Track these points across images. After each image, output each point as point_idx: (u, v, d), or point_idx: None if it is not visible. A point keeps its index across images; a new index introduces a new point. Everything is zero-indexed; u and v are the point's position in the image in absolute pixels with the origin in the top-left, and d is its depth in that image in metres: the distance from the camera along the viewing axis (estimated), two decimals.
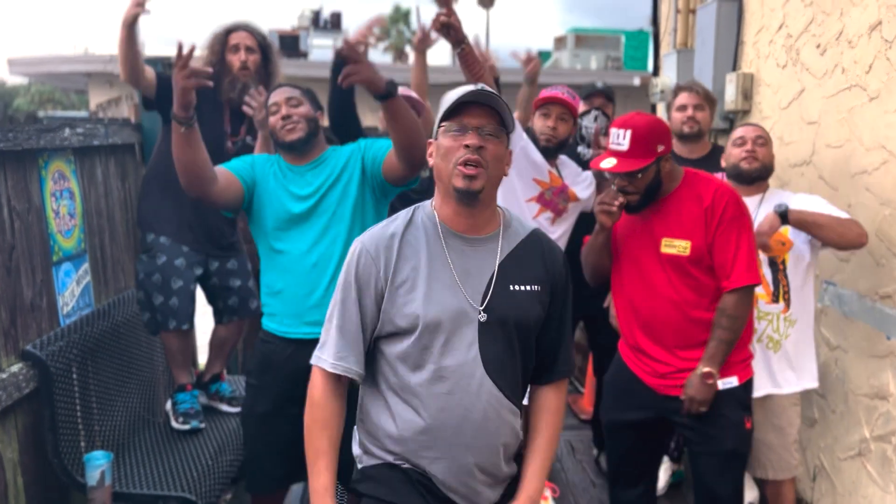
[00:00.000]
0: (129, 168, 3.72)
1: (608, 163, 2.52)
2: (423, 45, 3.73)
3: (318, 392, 1.85)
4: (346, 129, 3.01)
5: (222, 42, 3.30)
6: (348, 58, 2.28)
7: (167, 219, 3.30)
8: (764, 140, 3.06)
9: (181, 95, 2.31)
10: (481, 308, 1.80)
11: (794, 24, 3.76)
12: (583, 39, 21.97)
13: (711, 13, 4.56)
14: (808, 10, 3.61)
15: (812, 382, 3.00)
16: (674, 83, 5.23)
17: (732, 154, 3.04)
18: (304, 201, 2.59)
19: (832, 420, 3.34)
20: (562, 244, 3.38)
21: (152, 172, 3.38)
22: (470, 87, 1.80)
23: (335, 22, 18.61)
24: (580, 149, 3.78)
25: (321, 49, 18.49)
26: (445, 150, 1.81)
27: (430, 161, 1.88)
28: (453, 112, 1.82)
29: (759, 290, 2.87)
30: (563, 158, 3.46)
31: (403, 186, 2.67)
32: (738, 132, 3.08)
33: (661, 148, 2.50)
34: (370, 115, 3.79)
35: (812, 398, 3.47)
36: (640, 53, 22.95)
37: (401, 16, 41.03)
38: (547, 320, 1.93)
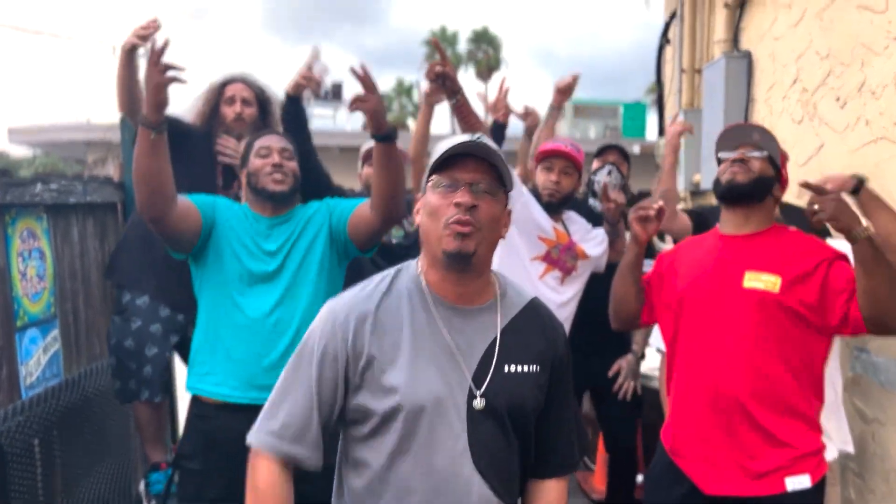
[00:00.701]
0: (109, 228, 3.51)
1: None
2: (432, 97, 3.57)
3: (261, 478, 1.53)
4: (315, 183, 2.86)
5: (217, 93, 3.12)
6: (362, 86, 2.20)
7: (146, 275, 3.06)
8: None
9: (154, 93, 2.11)
10: (476, 392, 1.53)
11: (809, 78, 3.60)
12: (581, 109, 22.20)
13: (720, 71, 4.42)
14: (825, 63, 3.45)
15: (846, 446, 2.70)
16: (681, 144, 5.08)
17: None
18: (272, 258, 2.39)
19: (872, 502, 3.03)
20: (572, 306, 3.15)
21: (135, 224, 3.15)
22: (464, 137, 1.56)
23: (336, 93, 18.81)
24: (591, 201, 3.59)
25: (322, 118, 18.63)
26: (434, 207, 1.55)
27: (417, 219, 1.62)
28: (444, 164, 1.57)
29: None
30: (571, 214, 3.25)
31: (365, 251, 2.51)
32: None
33: (779, 162, 2.33)
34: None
35: (848, 478, 3.17)
36: (638, 123, 23.14)
37: (404, 90, 41.71)
38: (545, 406, 1.65)
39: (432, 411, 1.49)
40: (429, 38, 38.03)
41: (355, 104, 2.22)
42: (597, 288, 3.55)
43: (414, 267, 1.64)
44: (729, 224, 2.33)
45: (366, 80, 2.18)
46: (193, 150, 2.94)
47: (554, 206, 3.14)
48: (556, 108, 3.73)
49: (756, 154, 2.28)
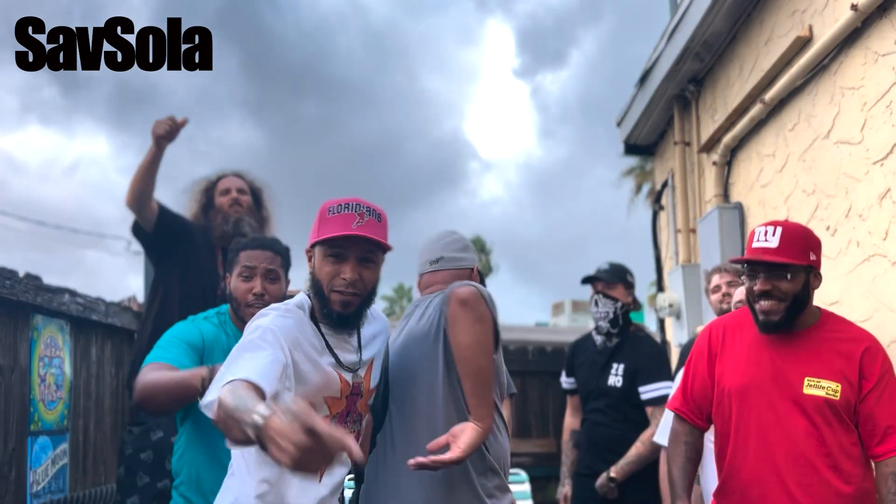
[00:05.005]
0: (124, 356, 3.55)
1: (754, 255, 2.19)
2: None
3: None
4: None
5: (211, 187, 3.31)
6: None
7: None
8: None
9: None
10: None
11: (799, 214, 3.81)
12: (580, 305, 22.56)
13: (713, 223, 4.65)
14: (812, 198, 3.67)
15: None
16: (682, 298, 5.22)
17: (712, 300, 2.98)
18: None
19: None
20: None
21: (153, 325, 3.19)
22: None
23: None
24: (594, 335, 3.65)
25: None
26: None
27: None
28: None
29: None
30: None
31: None
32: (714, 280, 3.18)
33: (813, 256, 2.23)
34: None
35: None
36: (636, 320, 23.51)
37: (404, 293, 42.27)
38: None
39: None
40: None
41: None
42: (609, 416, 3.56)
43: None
44: None
45: None
46: (196, 241, 3.12)
47: None
48: None
49: (780, 279, 2.18)
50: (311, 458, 1.18)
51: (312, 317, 1.84)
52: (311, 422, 1.19)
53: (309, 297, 1.87)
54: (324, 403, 1.81)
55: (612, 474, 3.37)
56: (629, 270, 3.78)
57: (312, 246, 1.86)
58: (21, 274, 2.67)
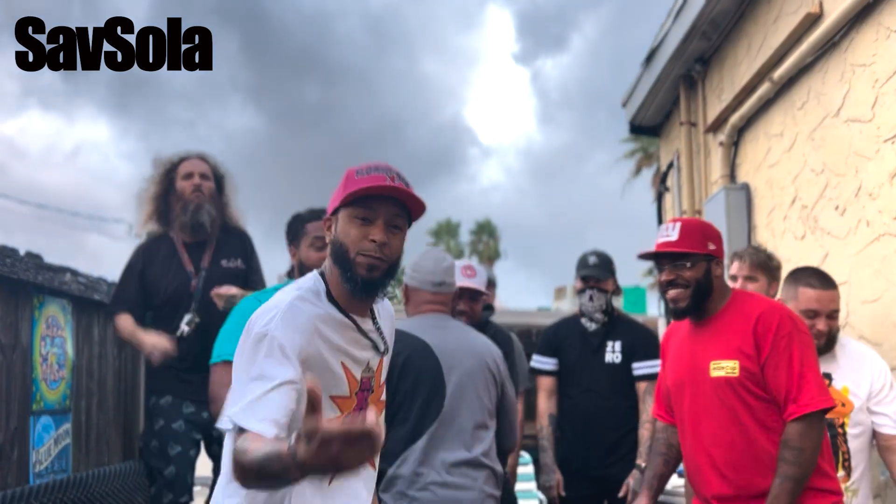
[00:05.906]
0: None
1: (657, 249, 2.39)
2: None
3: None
4: None
5: (172, 170, 3.20)
6: None
7: (167, 374, 3.06)
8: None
9: None
10: None
11: (807, 194, 3.77)
12: None
13: (720, 204, 4.61)
14: (821, 178, 3.63)
15: None
16: None
17: None
18: None
19: None
20: None
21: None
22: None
23: None
24: (583, 321, 3.67)
25: None
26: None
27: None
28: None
29: None
30: None
31: None
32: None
33: (712, 246, 2.39)
34: None
35: None
36: (639, 304, 23.37)
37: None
38: None
39: None
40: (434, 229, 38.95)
41: None
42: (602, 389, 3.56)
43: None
44: None
45: None
46: (155, 250, 3.14)
47: None
48: None
49: (682, 268, 2.35)
50: (350, 456, 1.19)
51: (330, 298, 1.71)
52: (327, 434, 1.17)
53: (322, 277, 1.74)
54: (332, 403, 1.69)
55: (641, 462, 3.34)
56: (612, 258, 3.81)
57: (335, 212, 1.72)
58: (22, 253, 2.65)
